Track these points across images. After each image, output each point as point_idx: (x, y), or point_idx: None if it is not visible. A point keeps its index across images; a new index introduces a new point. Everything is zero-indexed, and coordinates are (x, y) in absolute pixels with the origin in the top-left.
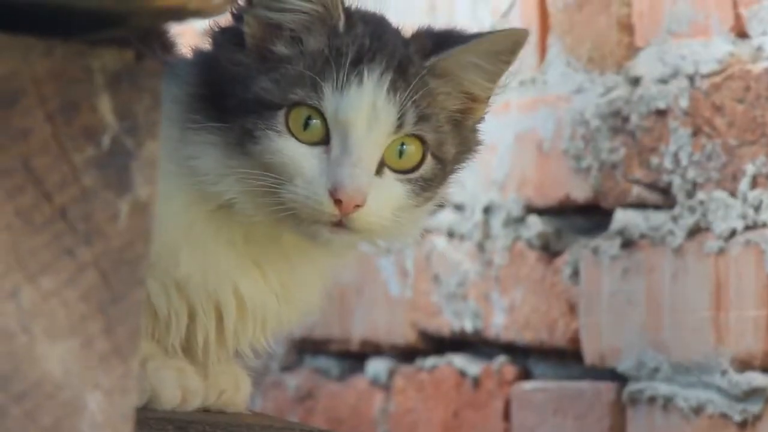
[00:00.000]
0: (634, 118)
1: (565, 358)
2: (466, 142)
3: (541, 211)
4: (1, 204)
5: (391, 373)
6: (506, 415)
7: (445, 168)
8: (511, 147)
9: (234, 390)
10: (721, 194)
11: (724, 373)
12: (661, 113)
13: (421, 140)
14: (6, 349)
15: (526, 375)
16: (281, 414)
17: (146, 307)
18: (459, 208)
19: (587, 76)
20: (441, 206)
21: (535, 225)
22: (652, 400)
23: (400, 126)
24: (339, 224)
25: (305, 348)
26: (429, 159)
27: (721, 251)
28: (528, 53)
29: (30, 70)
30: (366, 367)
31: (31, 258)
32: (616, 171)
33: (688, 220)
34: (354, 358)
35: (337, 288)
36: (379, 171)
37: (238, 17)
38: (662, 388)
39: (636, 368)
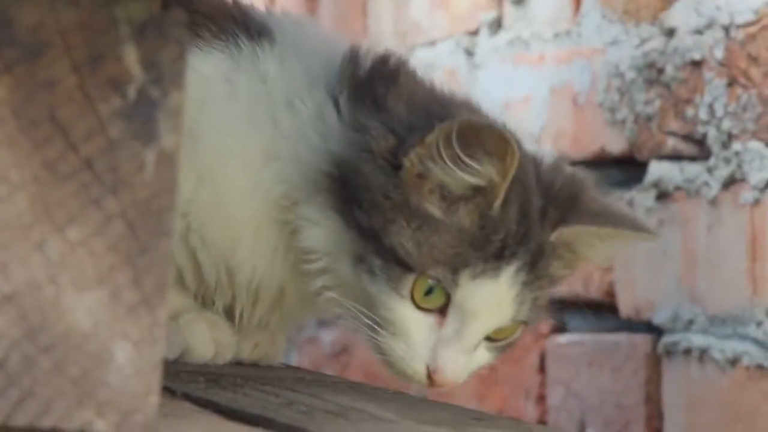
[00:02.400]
0: (669, 70)
1: (601, 310)
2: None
3: (576, 164)
4: (29, 155)
5: None
6: (541, 369)
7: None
8: (546, 100)
9: (268, 344)
10: (756, 145)
11: (759, 324)
12: (696, 64)
13: (524, 322)
14: (34, 301)
15: (561, 328)
16: (317, 369)
17: (193, 270)
18: None
19: (622, 28)
20: None
21: None
22: (687, 352)
23: (515, 316)
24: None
25: None
26: (521, 328)
27: (756, 202)
28: (563, 5)
29: (56, 20)
30: None
31: (58, 209)
32: (651, 123)
33: (724, 172)
34: None
35: None
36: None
37: (402, 143)
38: (698, 340)
39: (671, 320)
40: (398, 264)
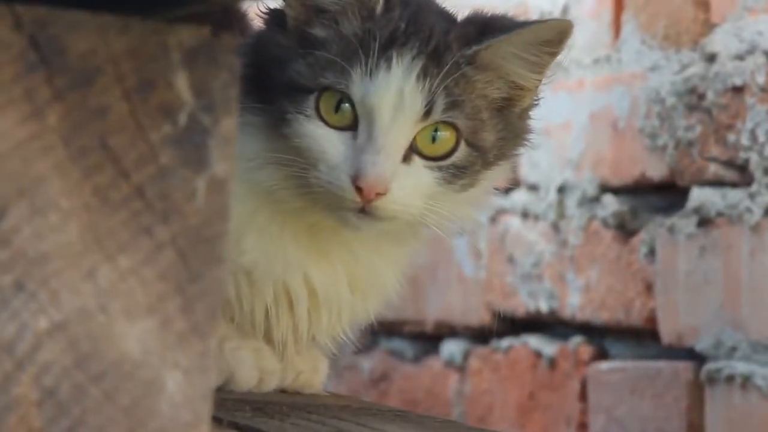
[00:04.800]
0: (710, 96)
1: (642, 337)
2: (511, 129)
3: (617, 190)
4: (79, 183)
5: (466, 355)
6: (583, 396)
7: (484, 155)
8: (586, 126)
9: (311, 371)
10: None
11: None
12: (738, 90)
13: (455, 127)
14: (84, 329)
15: (602, 355)
16: (356, 396)
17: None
18: (533, 188)
19: (662, 54)
20: (510, 187)
21: (611, 204)
22: (730, 379)
23: (428, 113)
24: (363, 211)
25: (379, 330)
26: (463, 146)
27: None
28: (602, 31)
29: (107, 48)
30: (440, 349)
31: (108, 237)
32: (692, 149)
33: (766, 198)
34: (428, 339)
35: (411, 269)
36: (406, 158)
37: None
38: (740, 367)
39: (714, 347)
40: (299, 91)
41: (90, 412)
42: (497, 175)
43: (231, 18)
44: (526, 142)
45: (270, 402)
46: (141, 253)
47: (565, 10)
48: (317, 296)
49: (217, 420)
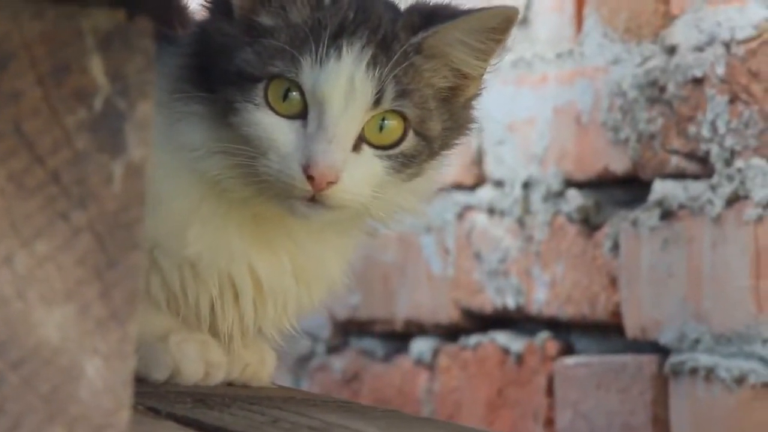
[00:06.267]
0: (671, 88)
1: (607, 331)
2: (456, 119)
3: (581, 185)
4: None
5: (436, 353)
6: (549, 391)
7: (431, 145)
8: (550, 120)
9: (258, 364)
10: (759, 162)
11: (765, 342)
12: (698, 81)
13: (403, 116)
14: (2, 316)
15: (568, 350)
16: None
17: (165, 285)
18: (499, 184)
19: (624, 47)
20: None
21: (575, 198)
22: (694, 371)
23: (378, 102)
24: (313, 200)
25: (350, 330)
26: (411, 135)
27: (760, 219)
28: (565, 25)
29: (20, 32)
30: (410, 347)
31: (24, 223)
32: (654, 141)
33: (727, 189)
34: (398, 338)
35: (381, 268)
36: (356, 147)
37: None
38: (704, 359)
39: (677, 340)
40: (247, 80)
41: (9, 400)
42: (441, 165)
43: (169, 10)
44: (468, 132)
45: (213, 394)
46: (58, 239)
47: (528, 4)
48: (262, 287)
49: (155, 411)
